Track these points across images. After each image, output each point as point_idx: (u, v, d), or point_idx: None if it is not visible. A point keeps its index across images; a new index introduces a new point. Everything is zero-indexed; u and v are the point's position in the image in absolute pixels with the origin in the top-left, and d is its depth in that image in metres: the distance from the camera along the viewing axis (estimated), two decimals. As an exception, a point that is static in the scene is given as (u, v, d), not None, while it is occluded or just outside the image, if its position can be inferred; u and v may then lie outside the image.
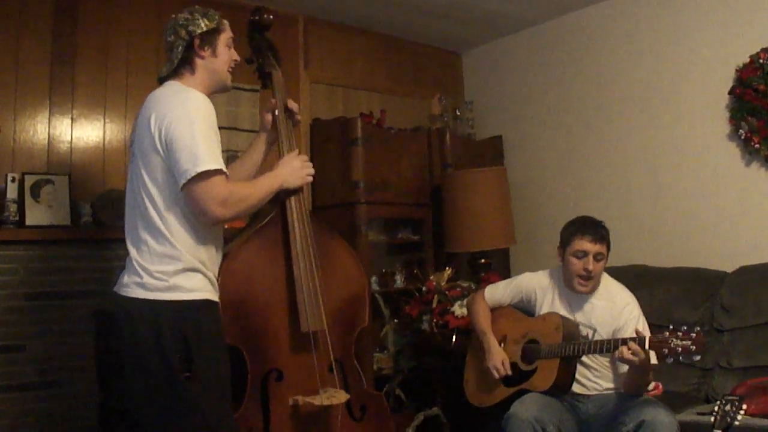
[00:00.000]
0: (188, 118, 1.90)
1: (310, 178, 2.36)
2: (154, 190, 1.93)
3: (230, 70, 2.14)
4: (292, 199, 2.38)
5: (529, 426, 2.40)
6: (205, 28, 2.05)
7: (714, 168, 3.58)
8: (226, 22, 2.14)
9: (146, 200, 1.94)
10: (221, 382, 1.99)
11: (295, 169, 2.29)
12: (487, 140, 4.66)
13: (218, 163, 1.90)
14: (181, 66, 2.06)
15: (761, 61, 3.31)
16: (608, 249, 2.65)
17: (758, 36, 3.36)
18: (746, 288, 3.13)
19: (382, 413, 2.62)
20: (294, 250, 2.36)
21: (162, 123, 1.90)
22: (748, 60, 3.37)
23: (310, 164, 2.36)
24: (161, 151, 1.90)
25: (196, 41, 2.05)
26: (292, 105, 2.44)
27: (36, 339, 2.89)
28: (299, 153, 2.38)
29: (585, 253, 2.60)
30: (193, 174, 1.85)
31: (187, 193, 1.89)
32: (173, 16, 2.10)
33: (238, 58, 2.17)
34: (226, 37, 2.11)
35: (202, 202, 1.88)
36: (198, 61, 2.07)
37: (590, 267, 2.59)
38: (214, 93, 2.13)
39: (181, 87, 2.02)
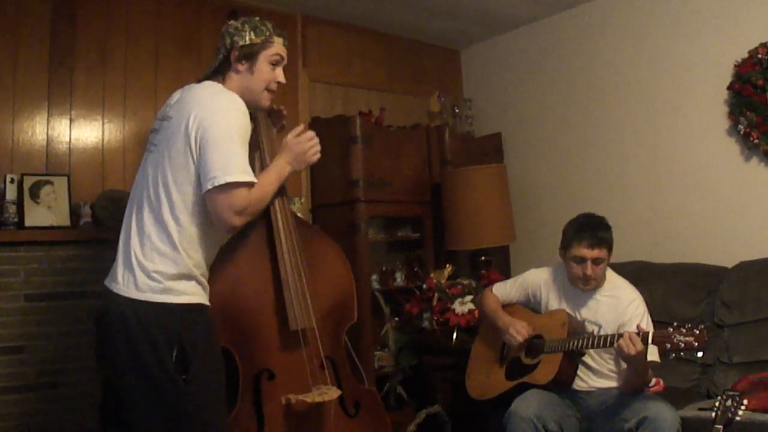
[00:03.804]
0: (227, 124, 1.88)
1: (318, 156, 2.27)
2: (174, 189, 1.90)
3: (270, 89, 2.07)
4: (276, 201, 2.37)
5: (530, 423, 2.41)
6: (248, 42, 1.99)
7: (713, 163, 3.57)
8: (278, 39, 2.04)
9: (163, 196, 1.91)
10: (217, 385, 1.99)
11: (302, 153, 2.21)
12: (486, 137, 4.65)
13: (248, 175, 1.89)
14: (215, 74, 2.04)
15: (759, 56, 3.30)
16: (609, 250, 2.61)
17: (756, 31, 3.35)
18: (746, 283, 3.12)
19: (376, 409, 2.62)
20: (280, 251, 2.36)
21: (200, 124, 1.87)
22: (746, 55, 3.37)
23: (317, 140, 2.26)
24: (193, 152, 1.88)
25: (234, 53, 2.00)
26: (278, 107, 2.39)
27: (36, 340, 2.89)
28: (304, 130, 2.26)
29: (583, 259, 2.58)
30: (221, 182, 1.84)
31: (209, 199, 1.88)
32: (230, 22, 2.05)
33: (282, 80, 2.07)
34: (269, 53, 2.03)
35: (222, 210, 1.87)
36: (233, 74, 2.03)
37: (588, 272, 2.58)
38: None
39: (222, 88, 1.98)
